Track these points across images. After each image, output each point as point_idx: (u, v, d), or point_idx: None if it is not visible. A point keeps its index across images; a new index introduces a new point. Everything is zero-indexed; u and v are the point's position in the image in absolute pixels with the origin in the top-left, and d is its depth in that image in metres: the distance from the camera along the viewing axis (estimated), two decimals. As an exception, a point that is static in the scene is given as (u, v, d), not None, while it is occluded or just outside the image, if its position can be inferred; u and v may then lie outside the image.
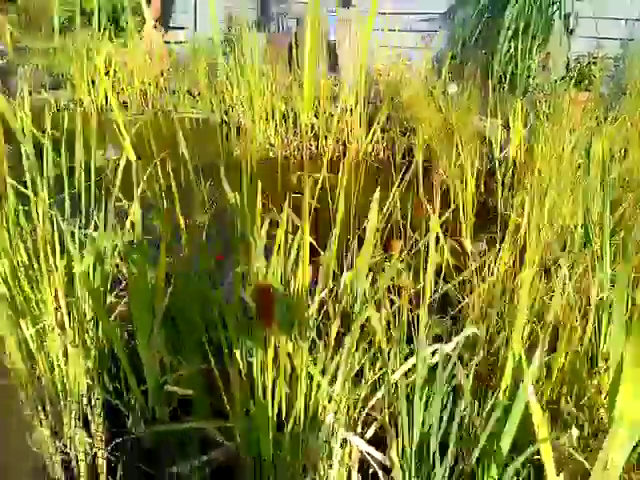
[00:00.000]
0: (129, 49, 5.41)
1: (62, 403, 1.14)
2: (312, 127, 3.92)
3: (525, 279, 1.15)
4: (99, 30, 5.61)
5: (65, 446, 1.17)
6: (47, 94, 5.28)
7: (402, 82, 4.19)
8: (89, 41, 5.25)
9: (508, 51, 4.15)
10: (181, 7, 6.27)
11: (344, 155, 3.83)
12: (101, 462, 1.13)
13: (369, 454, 1.05)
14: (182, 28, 6.21)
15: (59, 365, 1.13)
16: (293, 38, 5.04)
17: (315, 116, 3.98)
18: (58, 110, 4.86)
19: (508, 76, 4.22)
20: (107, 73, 5.30)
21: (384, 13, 4.49)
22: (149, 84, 5.26)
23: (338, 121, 3.81)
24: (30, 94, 4.68)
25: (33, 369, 1.16)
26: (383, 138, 3.89)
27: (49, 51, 5.67)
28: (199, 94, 4.87)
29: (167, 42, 6.18)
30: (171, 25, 6.36)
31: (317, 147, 3.91)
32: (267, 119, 4.04)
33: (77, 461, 1.15)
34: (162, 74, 5.60)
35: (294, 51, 4.97)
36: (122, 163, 1.32)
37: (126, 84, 5.25)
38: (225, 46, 5.77)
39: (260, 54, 4.66)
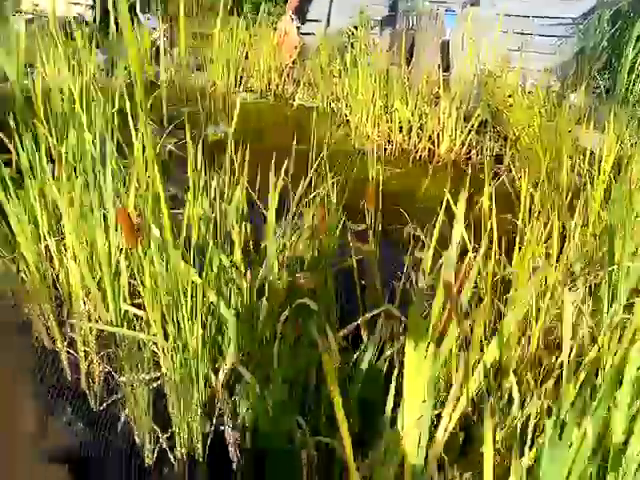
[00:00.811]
0: (262, 37, 5.89)
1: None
2: (408, 123, 4.00)
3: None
4: (239, 16, 6.21)
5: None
6: (192, 75, 6.02)
7: (510, 86, 4.08)
8: (230, 27, 5.84)
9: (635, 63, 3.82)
10: (319, 0, 6.63)
11: (432, 154, 3.87)
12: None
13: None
14: (317, 21, 6.57)
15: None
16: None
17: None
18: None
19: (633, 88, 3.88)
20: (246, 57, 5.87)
21: (509, 15, 4.38)
22: (275, 72, 5.71)
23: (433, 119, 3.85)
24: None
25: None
26: (477, 141, 3.85)
27: (195, 34, 6.39)
28: (316, 84, 5.18)
29: (302, 34, 6.58)
30: (308, 18, 6.75)
31: (408, 143, 3.99)
32: (368, 113, 4.20)
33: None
34: (292, 64, 6.03)
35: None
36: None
37: (254, 70, 5.75)
38: (349, 41, 6.01)
39: (381, 50, 4.83)
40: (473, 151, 3.84)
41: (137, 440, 1.38)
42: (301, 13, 6.58)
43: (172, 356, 1.24)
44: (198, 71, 6.02)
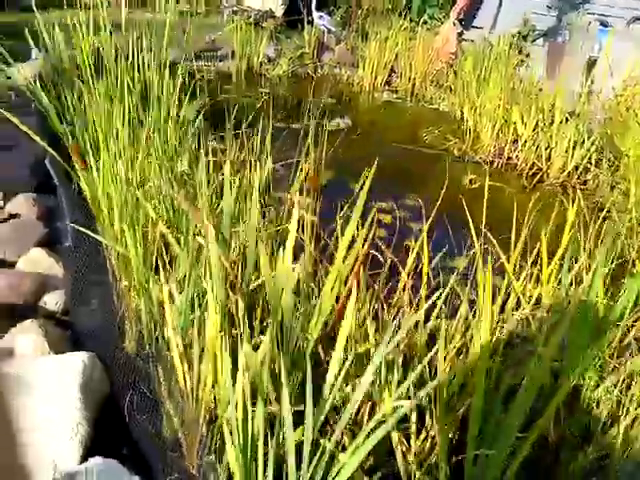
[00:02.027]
0: (420, 41, 6.03)
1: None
2: (523, 137, 3.85)
3: None
4: (401, 17, 6.44)
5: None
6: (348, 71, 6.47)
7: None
8: (388, 27, 6.10)
9: None
10: (488, 7, 6.50)
11: (542, 173, 3.69)
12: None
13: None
14: (481, 28, 6.47)
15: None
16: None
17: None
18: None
19: None
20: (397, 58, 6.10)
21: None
22: (421, 75, 5.82)
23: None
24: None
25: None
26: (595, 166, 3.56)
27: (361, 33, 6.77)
28: (452, 91, 5.19)
29: (464, 40, 6.54)
30: (473, 24, 6.67)
31: (519, 157, 3.84)
32: (491, 123, 4.13)
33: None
34: (442, 69, 6.07)
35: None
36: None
37: (403, 72, 5.94)
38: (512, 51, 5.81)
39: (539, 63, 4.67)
40: (589, 176, 3.56)
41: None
42: (466, 19, 6.54)
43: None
44: (352, 67, 6.43)
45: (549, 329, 1.53)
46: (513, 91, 4.06)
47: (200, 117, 3.10)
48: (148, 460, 1.21)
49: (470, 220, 1.62)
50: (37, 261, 1.81)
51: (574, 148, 3.57)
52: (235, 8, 8.37)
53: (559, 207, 2.09)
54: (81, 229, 1.59)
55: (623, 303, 1.41)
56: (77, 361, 1.26)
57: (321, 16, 7.04)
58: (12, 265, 1.83)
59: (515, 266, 1.70)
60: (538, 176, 3.70)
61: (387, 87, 5.99)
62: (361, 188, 1.24)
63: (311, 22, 7.11)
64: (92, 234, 1.57)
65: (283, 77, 6.20)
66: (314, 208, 2.43)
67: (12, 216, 2.07)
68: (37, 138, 1.87)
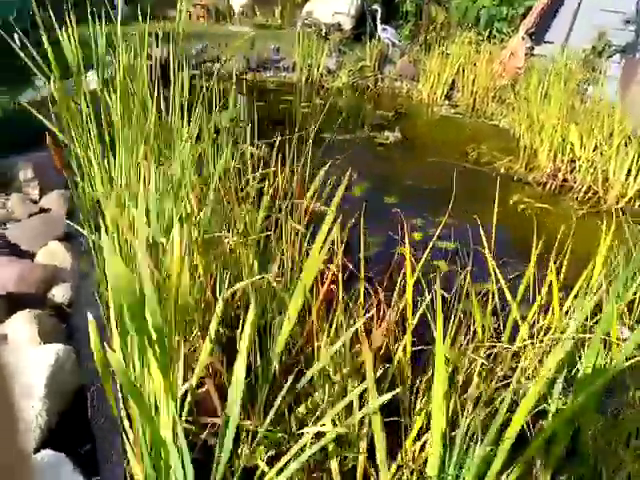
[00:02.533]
0: (485, 55, 5.84)
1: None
2: (580, 159, 3.60)
3: None
4: (469, 31, 6.27)
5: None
6: (409, 85, 6.38)
7: None
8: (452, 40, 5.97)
9: None
10: (561, 21, 6.18)
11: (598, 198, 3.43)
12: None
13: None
14: (553, 43, 6.16)
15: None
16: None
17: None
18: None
19: None
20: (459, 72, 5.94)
21: None
22: (483, 90, 5.63)
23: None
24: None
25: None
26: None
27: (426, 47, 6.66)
28: (512, 107, 4.96)
29: (534, 55, 6.26)
30: (545, 39, 6.37)
31: (575, 180, 3.59)
32: (548, 142, 3.91)
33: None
34: (506, 84, 5.83)
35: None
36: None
37: (464, 86, 5.76)
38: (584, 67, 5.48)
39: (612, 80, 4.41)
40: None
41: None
42: (538, 33, 6.25)
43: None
44: (413, 80, 6.34)
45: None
46: (573, 110, 3.81)
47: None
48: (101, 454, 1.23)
49: (508, 241, 1.52)
50: (54, 253, 1.90)
51: (638, 173, 3.29)
52: (307, 21, 8.55)
53: (614, 236, 1.92)
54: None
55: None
56: (50, 353, 1.30)
57: (385, 29, 7.01)
58: (33, 256, 1.94)
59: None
60: (593, 201, 3.44)
61: (447, 101, 5.85)
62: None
63: (376, 35, 7.11)
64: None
65: (342, 89, 6.21)
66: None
67: (43, 210, 2.20)
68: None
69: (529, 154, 4.02)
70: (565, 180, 3.69)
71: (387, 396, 0.98)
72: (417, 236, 2.86)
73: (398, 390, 1.05)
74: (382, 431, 1.02)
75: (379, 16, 7.07)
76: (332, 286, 1.30)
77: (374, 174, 3.62)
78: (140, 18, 2.80)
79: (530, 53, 6.24)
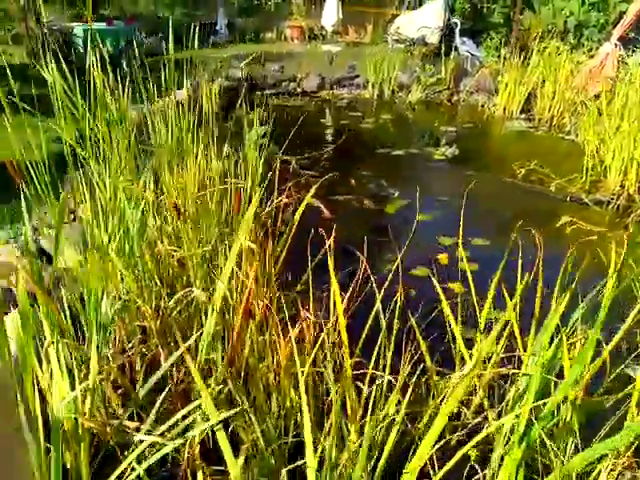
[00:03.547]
0: (568, 65, 5.46)
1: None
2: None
3: None
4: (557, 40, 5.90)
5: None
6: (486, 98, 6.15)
7: None
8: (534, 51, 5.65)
9: None
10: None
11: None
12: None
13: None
14: (649, 49, 5.59)
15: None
16: None
17: None
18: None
19: None
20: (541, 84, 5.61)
21: None
22: (564, 102, 5.26)
23: None
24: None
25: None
26: None
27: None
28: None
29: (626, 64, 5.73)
30: (643, 45, 5.80)
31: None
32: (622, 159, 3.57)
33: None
34: (593, 97, 5.40)
35: None
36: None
37: (544, 98, 5.42)
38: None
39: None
40: None
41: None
42: (632, 41, 5.72)
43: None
44: (490, 94, 6.09)
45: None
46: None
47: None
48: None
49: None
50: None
51: None
52: (394, 37, 8.62)
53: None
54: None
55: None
56: None
57: (464, 42, 6.83)
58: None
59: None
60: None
61: (524, 115, 5.54)
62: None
63: (456, 48, 6.95)
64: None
65: (415, 104, 6.15)
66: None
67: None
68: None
69: (597, 172, 3.70)
70: (634, 202, 3.35)
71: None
72: (442, 258, 2.77)
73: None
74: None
75: (458, 29, 6.91)
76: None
77: (414, 191, 3.56)
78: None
79: (623, 62, 5.72)
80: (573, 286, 1.57)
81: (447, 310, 1.46)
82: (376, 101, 6.17)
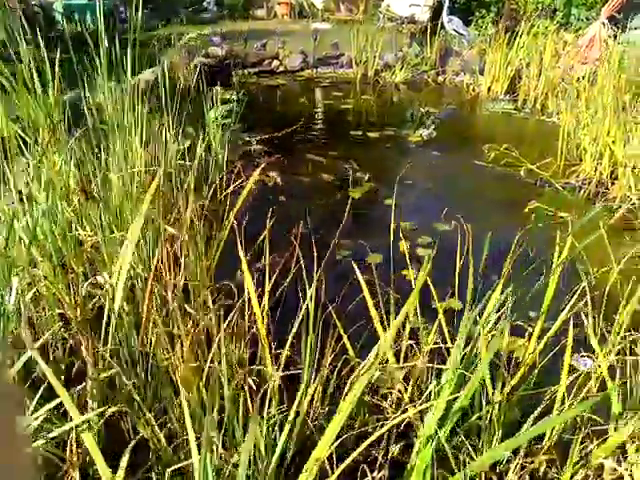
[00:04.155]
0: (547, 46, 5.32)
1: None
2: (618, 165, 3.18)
3: None
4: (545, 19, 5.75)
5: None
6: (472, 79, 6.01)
7: None
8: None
9: None
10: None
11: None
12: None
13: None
14: (637, 29, 5.45)
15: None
16: None
17: None
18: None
19: None
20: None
21: None
22: (546, 83, 5.14)
23: None
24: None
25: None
26: None
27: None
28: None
29: (618, 43, 5.60)
30: (634, 25, 5.64)
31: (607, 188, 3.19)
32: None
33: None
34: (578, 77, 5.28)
35: None
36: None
37: (527, 78, 5.30)
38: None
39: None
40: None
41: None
42: (621, 19, 5.57)
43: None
44: (479, 74, 5.94)
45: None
46: (624, 111, 3.35)
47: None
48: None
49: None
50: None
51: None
52: (385, 14, 8.44)
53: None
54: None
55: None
56: None
57: (451, 19, 6.66)
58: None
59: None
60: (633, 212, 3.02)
61: (508, 96, 5.42)
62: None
63: (442, 26, 6.78)
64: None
65: (400, 84, 6.02)
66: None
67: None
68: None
69: (573, 157, 3.63)
70: (607, 188, 3.28)
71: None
72: (402, 244, 2.71)
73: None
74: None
75: (446, 6, 6.73)
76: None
77: (384, 175, 3.48)
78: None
79: (612, 41, 5.58)
80: (504, 275, 1.53)
81: (369, 300, 1.41)
82: (360, 81, 6.03)
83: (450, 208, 3.10)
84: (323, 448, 1.10)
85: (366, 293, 1.36)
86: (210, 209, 2.27)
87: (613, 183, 3.23)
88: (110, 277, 1.26)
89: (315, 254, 1.63)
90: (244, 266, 1.24)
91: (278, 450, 1.08)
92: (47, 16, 6.91)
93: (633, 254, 1.69)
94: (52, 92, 1.82)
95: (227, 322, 1.30)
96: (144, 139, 2.14)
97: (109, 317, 1.22)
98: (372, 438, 1.08)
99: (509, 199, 3.26)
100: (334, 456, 1.16)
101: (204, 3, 10.50)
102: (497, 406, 1.41)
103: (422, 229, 2.89)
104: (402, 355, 1.53)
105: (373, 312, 1.37)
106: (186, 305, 1.25)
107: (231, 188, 2.39)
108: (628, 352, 1.59)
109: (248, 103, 4.88)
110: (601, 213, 3.00)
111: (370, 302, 1.37)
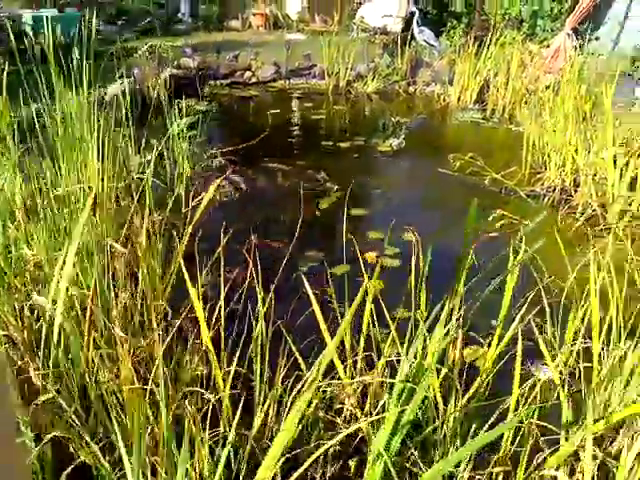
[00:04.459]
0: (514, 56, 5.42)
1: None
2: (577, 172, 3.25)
3: None
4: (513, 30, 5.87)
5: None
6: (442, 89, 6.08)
7: None
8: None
9: None
10: (612, 19, 5.61)
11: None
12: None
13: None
14: (597, 39, 5.61)
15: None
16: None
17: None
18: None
19: None
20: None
21: None
22: (514, 93, 5.24)
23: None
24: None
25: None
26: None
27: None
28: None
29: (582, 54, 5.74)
30: (595, 36, 5.80)
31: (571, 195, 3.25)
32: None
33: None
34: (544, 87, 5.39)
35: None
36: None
37: (495, 88, 5.40)
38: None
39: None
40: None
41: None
42: (585, 30, 5.72)
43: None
44: (449, 84, 6.02)
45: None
46: (584, 120, 3.43)
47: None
48: None
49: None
50: None
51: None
52: (358, 26, 8.55)
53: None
54: None
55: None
56: None
57: (422, 30, 6.76)
58: None
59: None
60: (594, 219, 3.07)
61: (477, 106, 5.50)
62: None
63: (413, 37, 6.88)
64: None
65: (371, 94, 6.07)
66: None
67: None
68: None
69: (538, 165, 3.69)
70: (570, 196, 3.33)
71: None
72: (369, 256, 2.71)
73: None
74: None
75: (416, 17, 6.84)
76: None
77: (354, 184, 3.49)
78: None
79: (573, 52, 5.72)
80: (460, 285, 1.54)
81: (318, 314, 1.40)
82: (332, 91, 6.06)
83: (415, 218, 3.14)
84: (268, 466, 1.08)
85: (315, 307, 1.35)
86: (170, 222, 2.24)
87: (576, 190, 3.29)
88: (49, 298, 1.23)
89: (272, 268, 1.62)
90: (188, 284, 1.22)
91: (219, 469, 1.06)
92: (16, 28, 6.82)
93: (586, 262, 1.70)
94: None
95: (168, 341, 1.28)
96: (105, 153, 2.10)
97: (47, 338, 1.19)
98: (317, 454, 1.06)
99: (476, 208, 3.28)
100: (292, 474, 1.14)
101: (179, 15, 10.51)
102: (452, 418, 1.41)
103: (389, 238, 2.89)
104: (358, 367, 1.52)
105: (323, 326, 1.36)
106: (128, 325, 1.22)
107: (194, 202, 2.37)
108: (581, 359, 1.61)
109: (219, 114, 4.88)
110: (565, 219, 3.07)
111: (319, 315, 1.36)
